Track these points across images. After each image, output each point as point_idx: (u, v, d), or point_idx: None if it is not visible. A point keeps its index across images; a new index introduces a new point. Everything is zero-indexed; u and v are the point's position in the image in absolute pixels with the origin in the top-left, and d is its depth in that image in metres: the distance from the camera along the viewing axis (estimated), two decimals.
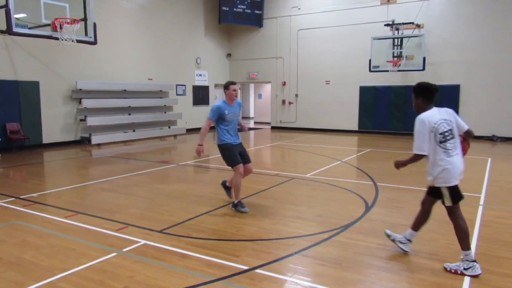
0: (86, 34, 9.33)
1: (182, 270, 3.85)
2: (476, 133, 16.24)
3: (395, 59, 15.29)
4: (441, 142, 3.71)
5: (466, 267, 3.70)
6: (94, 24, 9.41)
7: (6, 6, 7.78)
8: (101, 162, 10.87)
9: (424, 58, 14.77)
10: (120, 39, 14.84)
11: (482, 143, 13.96)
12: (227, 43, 20.81)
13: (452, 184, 3.77)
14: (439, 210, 4.23)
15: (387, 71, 15.50)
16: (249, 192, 6.85)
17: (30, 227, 5.15)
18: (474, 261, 3.72)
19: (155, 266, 3.94)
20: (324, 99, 18.43)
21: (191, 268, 3.89)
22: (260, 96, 25.44)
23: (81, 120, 13.63)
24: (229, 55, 20.92)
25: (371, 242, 4.59)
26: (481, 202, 6.31)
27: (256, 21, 19.65)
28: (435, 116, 3.78)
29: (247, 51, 20.48)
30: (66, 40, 8.48)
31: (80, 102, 13.42)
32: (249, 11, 19.37)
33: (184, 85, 18.21)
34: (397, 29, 15.80)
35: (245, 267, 3.88)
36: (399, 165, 4.00)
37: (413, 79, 16.21)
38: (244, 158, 5.83)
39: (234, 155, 5.70)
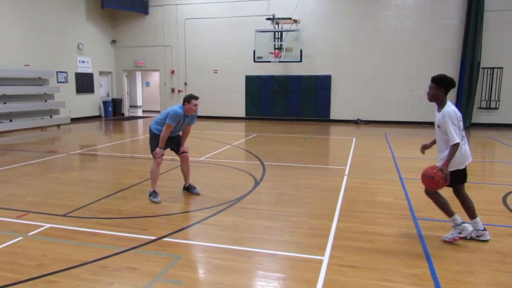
0: None
1: (94, 245, 4.18)
2: (344, 117, 18.49)
3: (276, 51, 16.60)
4: (460, 130, 4.07)
5: (459, 231, 4.17)
6: None
7: None
8: None
9: (301, 51, 16.31)
10: None
11: (349, 126, 16.12)
12: (112, 29, 20.12)
13: (462, 167, 4.17)
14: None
15: (270, 61, 16.76)
16: (147, 176, 7.21)
17: None
18: (463, 222, 4.18)
19: (66, 244, 4.20)
20: (212, 88, 19.11)
21: (102, 243, 4.24)
22: (148, 84, 25.11)
23: None
24: (113, 41, 20.26)
25: (261, 209, 5.43)
26: (346, 172, 7.62)
27: (141, 7, 19.36)
28: (456, 108, 4.15)
29: (133, 38, 20.09)
30: None
31: None
32: None
33: (66, 72, 17.23)
34: (277, 23, 17.10)
35: (154, 237, 4.37)
36: (446, 172, 4.02)
37: (292, 70, 17.82)
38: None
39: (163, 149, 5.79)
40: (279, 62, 16.84)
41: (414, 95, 16.29)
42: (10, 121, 14.04)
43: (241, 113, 18.96)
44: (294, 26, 17.07)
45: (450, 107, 4.14)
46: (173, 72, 19.76)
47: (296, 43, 16.56)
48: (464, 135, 4.25)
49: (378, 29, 16.68)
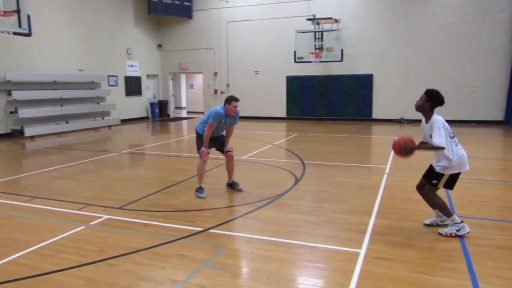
0: (20, 26, 9.34)
1: (147, 234, 4.59)
2: (386, 117, 18.27)
3: (317, 51, 16.72)
4: (451, 137, 4.36)
5: (457, 229, 4.37)
6: (28, 16, 9.45)
7: None
8: (41, 153, 10.92)
9: (342, 50, 16.34)
10: (50, 29, 14.57)
11: (392, 125, 15.94)
12: (158, 34, 21.00)
13: (462, 170, 4.37)
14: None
15: (310, 62, 16.90)
16: (192, 173, 7.62)
17: None
18: (462, 221, 4.40)
19: (122, 233, 4.64)
20: (254, 88, 19.49)
21: (155, 232, 4.64)
22: (192, 86, 25.90)
23: (11, 112, 13.31)
24: (160, 45, 21.13)
25: (300, 205, 5.66)
26: (386, 171, 7.68)
27: (185, 12, 20.07)
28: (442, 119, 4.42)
29: (178, 42, 20.85)
30: (2, 32, 8.51)
31: (9, 94, 13.11)
32: (178, 2, 19.73)
33: (116, 76, 18.21)
34: (318, 23, 17.20)
35: (200, 229, 4.72)
36: (416, 149, 4.43)
37: (333, 69, 17.84)
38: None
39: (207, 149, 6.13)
40: (320, 62, 16.94)
41: (461, 93, 15.83)
42: (67, 122, 15.06)
43: (282, 113, 19.20)
44: (334, 26, 17.11)
45: (438, 116, 4.39)
46: (215, 74, 20.32)
47: (337, 43, 16.60)
48: (458, 142, 4.42)
49: (422, 26, 16.37)
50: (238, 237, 4.55)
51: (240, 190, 6.37)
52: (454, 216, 4.43)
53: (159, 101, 20.96)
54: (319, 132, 14.46)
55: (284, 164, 8.68)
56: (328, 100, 18.21)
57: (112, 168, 8.66)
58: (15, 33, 8.97)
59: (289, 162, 8.91)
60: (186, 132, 15.64)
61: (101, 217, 5.16)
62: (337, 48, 16.53)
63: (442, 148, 4.26)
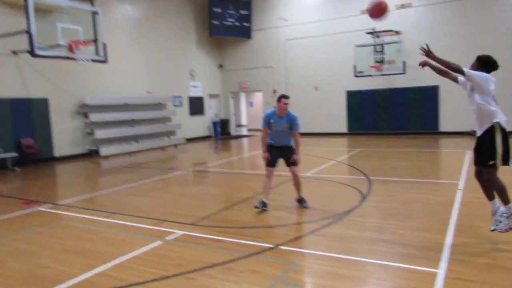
0: (97, 53, 10.17)
1: (220, 250, 4.75)
2: (455, 129, 17.43)
3: (378, 64, 16.44)
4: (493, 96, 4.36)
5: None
6: (104, 44, 10.28)
7: (28, 31, 8.61)
8: (115, 172, 11.67)
9: (404, 62, 15.93)
10: (120, 55, 15.67)
11: (461, 138, 15.16)
12: (218, 55, 21.78)
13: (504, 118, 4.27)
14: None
15: (371, 75, 16.63)
16: (259, 190, 7.77)
17: (78, 226, 5.99)
18: None
19: (197, 248, 4.84)
20: (314, 104, 19.50)
21: (227, 248, 4.80)
22: (251, 104, 26.41)
23: (88, 133, 14.39)
24: (220, 66, 21.88)
25: (369, 222, 5.57)
26: (461, 187, 7.33)
27: (245, 33, 20.68)
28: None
29: (237, 61, 21.48)
30: (82, 60, 9.33)
31: (86, 116, 14.20)
32: (238, 24, 20.40)
33: (181, 97, 19.09)
34: (378, 36, 16.95)
35: (271, 245, 4.80)
36: (432, 56, 4.45)
37: (396, 82, 17.42)
38: (276, 162, 6.37)
39: (269, 159, 6.30)
40: (381, 75, 16.62)
41: None
42: (137, 142, 15.97)
43: (343, 128, 18.98)
44: (395, 38, 16.77)
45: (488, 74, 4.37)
46: (275, 91, 20.60)
47: (398, 55, 16.24)
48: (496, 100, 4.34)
49: (492, 33, 15.57)
50: (308, 254, 4.57)
51: (306, 207, 6.39)
52: (511, 205, 4.25)
53: (221, 120, 21.60)
54: (383, 147, 14.12)
55: (349, 180, 8.58)
56: (391, 113, 17.77)
57: (181, 185, 9.05)
58: (93, 60, 9.77)
59: (353, 178, 8.79)
60: (247, 150, 15.95)
61: (175, 233, 5.42)
62: (399, 61, 16.17)
63: (459, 71, 4.27)
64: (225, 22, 20.24)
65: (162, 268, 4.26)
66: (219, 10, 20.03)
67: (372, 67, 16.44)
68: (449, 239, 4.75)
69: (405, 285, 3.71)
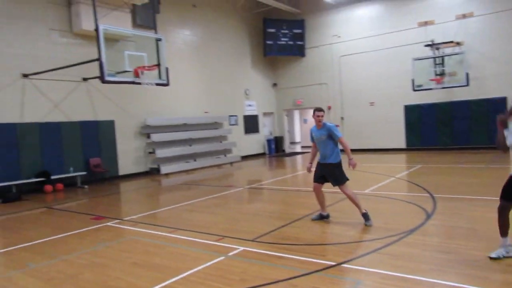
0: (159, 77, 10.73)
1: (282, 266, 4.77)
2: None
3: (438, 77, 15.87)
4: None
5: None
6: (167, 69, 10.83)
7: (99, 59, 9.30)
8: (175, 189, 12.11)
9: (467, 74, 15.27)
10: (180, 78, 16.37)
11: None
12: (272, 74, 22.10)
13: None
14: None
15: (431, 89, 16.07)
16: (317, 207, 7.73)
17: (144, 240, 6.28)
18: None
19: (259, 264, 4.89)
20: (369, 120, 19.13)
21: (289, 265, 4.81)
22: (305, 121, 26.39)
23: (149, 152, 15.09)
24: (275, 84, 22.17)
25: (435, 241, 5.35)
26: None
27: (298, 51, 20.87)
28: None
29: (291, 79, 21.65)
30: (147, 84, 9.90)
31: (148, 137, 14.92)
32: (291, 43, 20.65)
33: (236, 116, 19.53)
34: (437, 48, 16.41)
35: (333, 263, 4.75)
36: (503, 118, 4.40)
37: (457, 95, 16.72)
38: (322, 178, 6.60)
39: (314, 174, 6.69)
40: (442, 88, 16.01)
41: None
42: (195, 160, 16.48)
43: (401, 144, 18.41)
44: (456, 49, 16.16)
45: None
46: (329, 107, 20.47)
47: (460, 67, 15.62)
48: None
49: None
50: (373, 273, 4.47)
51: (368, 225, 6.25)
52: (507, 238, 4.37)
53: (275, 137, 21.76)
54: (445, 162, 13.51)
55: (411, 197, 8.29)
56: (453, 128, 17.01)
57: (238, 202, 9.21)
58: (157, 84, 10.32)
59: (416, 195, 8.48)
60: (301, 167, 15.89)
61: (237, 249, 5.52)
62: (460, 72, 15.53)
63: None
64: (279, 42, 20.59)
65: (227, 283, 4.35)
66: (273, 30, 20.43)
67: (432, 80, 15.90)
68: None
69: None
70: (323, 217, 6.68)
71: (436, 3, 17.12)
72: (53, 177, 11.98)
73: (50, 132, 12.26)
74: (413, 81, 16.16)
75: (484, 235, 5.51)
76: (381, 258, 4.88)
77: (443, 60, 16.03)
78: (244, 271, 4.68)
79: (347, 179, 6.47)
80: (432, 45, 16.50)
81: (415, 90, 16.40)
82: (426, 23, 17.20)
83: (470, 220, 6.31)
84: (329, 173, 6.50)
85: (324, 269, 4.58)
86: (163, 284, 4.42)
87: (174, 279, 4.55)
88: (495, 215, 6.12)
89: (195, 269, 4.82)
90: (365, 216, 6.34)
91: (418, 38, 17.27)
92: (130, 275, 4.78)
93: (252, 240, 5.88)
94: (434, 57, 16.13)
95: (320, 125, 6.46)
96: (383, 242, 5.41)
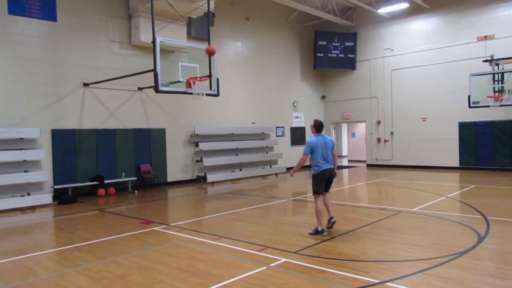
0: (210, 88, 11.01)
1: (324, 280, 4.73)
2: None
3: (497, 94, 15.11)
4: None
5: None
6: (217, 80, 11.10)
7: (154, 70, 9.71)
8: (221, 197, 12.31)
9: None
10: (229, 88, 16.71)
11: None
12: (322, 86, 22.01)
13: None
14: None
15: (489, 106, 15.31)
16: (362, 223, 7.59)
17: (189, 246, 6.45)
18: None
19: (300, 277, 4.88)
20: (421, 136, 18.51)
21: (331, 279, 4.76)
22: (353, 135, 25.97)
23: (197, 161, 15.48)
24: (323, 97, 22.05)
25: (489, 266, 5.09)
26: None
27: (349, 64, 20.66)
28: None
29: (340, 92, 21.44)
30: (198, 94, 10.21)
31: (197, 145, 15.32)
32: (342, 55, 20.50)
33: (283, 127, 19.60)
34: (497, 64, 15.65)
35: (377, 281, 4.65)
36: None
37: None
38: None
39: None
40: (500, 106, 15.21)
41: None
42: (240, 170, 16.68)
43: (454, 162, 17.62)
44: None
45: None
46: (379, 122, 20.04)
47: None
48: None
49: None
50: None
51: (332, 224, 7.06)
52: None
53: None
54: (502, 184, 12.78)
55: (462, 218, 7.92)
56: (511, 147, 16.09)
57: (282, 214, 9.22)
58: (207, 95, 10.59)
59: (468, 217, 8.09)
60: (347, 181, 15.63)
61: (279, 260, 5.53)
62: None
63: None
64: (330, 55, 20.51)
65: None
66: (324, 43, 20.40)
67: (489, 97, 15.15)
68: None
69: None
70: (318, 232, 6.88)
71: (498, 17, 16.38)
72: (106, 181, 12.58)
73: (105, 138, 12.92)
74: (469, 97, 15.50)
75: None
76: (428, 279, 4.71)
77: (502, 76, 15.24)
78: (285, 283, 4.69)
79: (315, 192, 7.06)
80: (491, 61, 15.77)
81: (471, 107, 15.70)
82: (486, 38, 16.51)
83: None
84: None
85: (367, 286, 4.50)
86: None
87: (216, 286, 4.64)
88: None
89: (238, 277, 4.89)
90: (316, 231, 6.84)
91: (477, 53, 16.58)
92: (174, 279, 4.93)
93: (295, 252, 5.87)
94: (493, 73, 15.39)
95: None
96: (430, 263, 5.22)
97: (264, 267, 5.25)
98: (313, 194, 7.10)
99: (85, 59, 12.60)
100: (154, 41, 9.70)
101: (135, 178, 13.42)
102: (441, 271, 4.93)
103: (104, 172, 12.75)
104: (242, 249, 6.17)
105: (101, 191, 12.34)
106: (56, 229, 8.56)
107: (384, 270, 5.05)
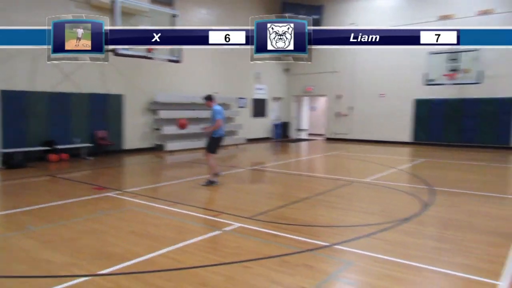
0: (172, 53, 10.71)
1: (276, 243, 4.86)
2: None
3: (452, 73, 15.70)
4: None
5: None
6: None
7: None
8: (178, 166, 12.23)
9: (481, 72, 15.07)
10: (192, 56, 16.27)
11: None
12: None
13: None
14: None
15: (443, 84, 15.92)
16: (316, 192, 7.80)
17: (143, 211, 6.39)
18: None
19: (254, 240, 4.98)
20: (378, 112, 19.03)
21: (283, 243, 4.89)
22: (314, 108, 26.30)
23: (156, 129, 15.19)
24: (287, 70, 22.06)
25: (430, 231, 5.41)
26: None
27: None
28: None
29: (304, 66, 21.43)
30: (160, 59, 9.93)
31: (156, 113, 15.00)
32: None
33: (245, 98, 19.52)
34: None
35: (327, 243, 4.83)
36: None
37: (469, 93, 16.54)
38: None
39: None
40: (454, 84, 15.85)
41: None
42: (200, 140, 16.53)
43: (408, 137, 18.33)
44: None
45: None
46: (339, 96, 20.36)
47: (475, 64, 15.39)
48: None
49: None
50: (364, 255, 4.53)
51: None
52: None
53: (282, 123, 21.75)
54: (450, 158, 13.46)
55: (410, 189, 8.32)
56: (461, 125, 16.90)
57: (240, 182, 9.28)
58: (169, 60, 10.31)
59: (415, 187, 8.50)
60: (305, 153, 15.94)
61: (233, 225, 5.61)
62: (474, 70, 15.32)
63: None
64: None
65: (220, 255, 4.45)
66: (291, 15, 20.19)
67: (445, 75, 15.73)
68: None
69: None
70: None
71: None
72: (59, 147, 12.11)
73: (59, 102, 12.35)
74: (426, 75, 16.00)
75: (479, 228, 5.55)
76: (374, 242, 4.95)
77: (458, 56, 15.81)
78: (238, 246, 4.77)
79: (214, 152, 8.53)
80: None
81: (427, 85, 16.25)
82: (446, 17, 16.93)
83: (467, 214, 6.34)
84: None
85: (316, 248, 4.66)
86: (159, 253, 4.53)
87: (169, 249, 4.65)
88: (491, 210, 6.17)
89: (191, 241, 4.92)
90: (209, 182, 8.20)
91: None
92: (127, 242, 4.89)
93: (250, 218, 5.96)
94: (449, 52, 15.91)
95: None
96: (377, 228, 5.47)
97: (218, 232, 5.31)
98: (211, 153, 8.43)
99: (41, 17, 11.81)
100: (114, 2, 9.26)
101: (90, 145, 13.01)
102: (386, 235, 5.18)
103: (57, 138, 12.25)
104: (197, 214, 6.21)
105: (53, 156, 11.89)
106: (2, 194, 8.21)
107: (334, 234, 5.24)
